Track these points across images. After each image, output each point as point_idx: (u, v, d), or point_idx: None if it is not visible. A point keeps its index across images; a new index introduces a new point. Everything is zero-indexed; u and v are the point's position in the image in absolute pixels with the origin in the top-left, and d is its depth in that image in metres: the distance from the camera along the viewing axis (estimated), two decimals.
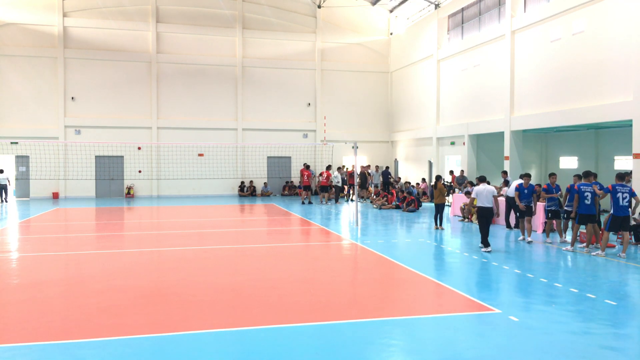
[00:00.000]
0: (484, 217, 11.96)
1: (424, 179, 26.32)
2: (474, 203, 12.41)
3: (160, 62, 28.43)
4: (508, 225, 15.65)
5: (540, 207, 14.48)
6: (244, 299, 7.71)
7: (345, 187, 26.54)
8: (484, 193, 11.98)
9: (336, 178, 24.78)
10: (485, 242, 11.86)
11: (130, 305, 7.36)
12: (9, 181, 25.38)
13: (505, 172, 18.09)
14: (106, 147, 26.76)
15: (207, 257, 11.19)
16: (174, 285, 8.57)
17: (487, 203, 11.94)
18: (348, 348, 5.82)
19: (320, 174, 25.21)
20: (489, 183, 12.81)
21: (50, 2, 27.03)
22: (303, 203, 24.39)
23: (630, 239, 12.48)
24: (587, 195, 11.66)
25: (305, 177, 24.87)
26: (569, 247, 11.95)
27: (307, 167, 25.44)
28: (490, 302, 7.52)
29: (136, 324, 6.58)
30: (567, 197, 12.84)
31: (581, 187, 11.78)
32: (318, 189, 25.92)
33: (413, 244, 13.18)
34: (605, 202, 15.71)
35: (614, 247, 12.26)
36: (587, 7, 16.90)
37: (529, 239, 13.03)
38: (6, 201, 24.92)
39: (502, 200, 16.44)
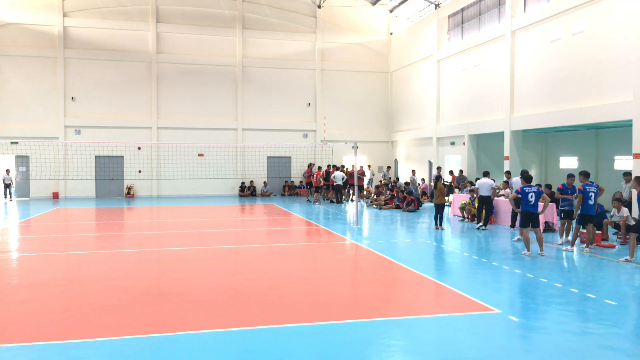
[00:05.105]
0: (483, 203, 15.32)
1: (423, 179, 26.32)
2: (478, 193, 15.53)
3: (160, 62, 28.42)
4: (512, 226, 15.56)
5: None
6: (244, 299, 7.71)
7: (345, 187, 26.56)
8: (484, 185, 15.30)
9: (336, 178, 24.76)
10: (485, 223, 15.24)
11: (130, 305, 7.36)
12: (11, 180, 25.89)
13: (508, 172, 18.04)
14: (106, 147, 26.76)
15: (207, 257, 11.18)
16: (174, 285, 8.57)
17: (486, 192, 15.23)
18: (348, 348, 5.81)
19: (312, 173, 25.17)
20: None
21: (50, 2, 27.02)
22: (310, 201, 24.52)
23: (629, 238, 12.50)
24: (591, 196, 11.70)
25: (316, 178, 24.89)
26: (569, 247, 11.96)
27: (318, 167, 25.49)
28: (490, 302, 7.51)
29: (136, 324, 6.57)
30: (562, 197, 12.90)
31: (586, 187, 11.82)
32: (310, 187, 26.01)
33: (413, 244, 13.19)
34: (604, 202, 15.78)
35: (614, 247, 12.26)
36: (587, 7, 16.89)
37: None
38: (5, 198, 25.48)
39: (502, 200, 16.49)
